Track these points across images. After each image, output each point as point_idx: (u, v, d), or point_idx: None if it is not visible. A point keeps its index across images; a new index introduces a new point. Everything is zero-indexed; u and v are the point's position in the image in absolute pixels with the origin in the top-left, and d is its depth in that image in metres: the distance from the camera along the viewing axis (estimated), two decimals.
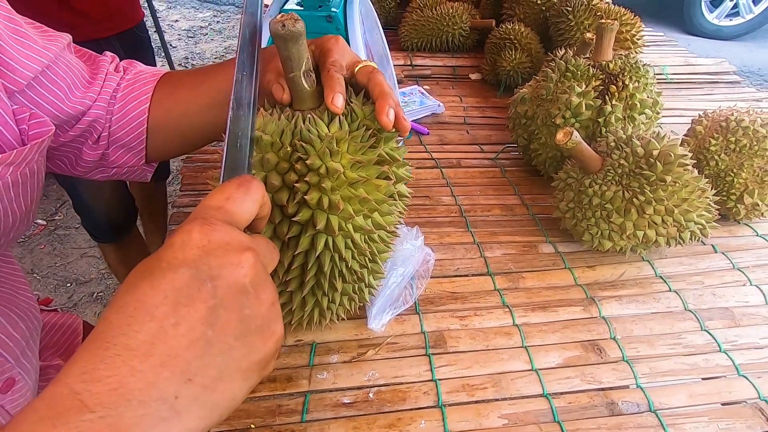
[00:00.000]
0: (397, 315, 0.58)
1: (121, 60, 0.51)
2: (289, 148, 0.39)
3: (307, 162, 0.38)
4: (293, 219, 0.40)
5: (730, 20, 3.68)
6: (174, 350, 0.21)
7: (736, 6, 3.60)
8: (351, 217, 0.41)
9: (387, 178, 0.43)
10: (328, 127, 0.40)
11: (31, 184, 0.39)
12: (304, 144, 0.39)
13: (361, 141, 0.41)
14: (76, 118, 0.45)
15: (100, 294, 1.74)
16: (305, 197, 0.39)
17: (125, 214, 1.25)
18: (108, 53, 0.50)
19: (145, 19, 1.24)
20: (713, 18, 3.67)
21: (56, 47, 0.42)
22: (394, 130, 0.40)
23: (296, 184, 0.39)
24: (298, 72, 0.39)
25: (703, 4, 3.62)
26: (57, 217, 2.01)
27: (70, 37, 0.45)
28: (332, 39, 0.43)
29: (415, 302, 0.59)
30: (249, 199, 0.26)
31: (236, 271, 0.23)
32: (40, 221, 1.93)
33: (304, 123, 0.40)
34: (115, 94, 0.48)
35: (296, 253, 0.41)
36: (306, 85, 0.40)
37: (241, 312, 0.23)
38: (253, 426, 0.47)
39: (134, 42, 1.16)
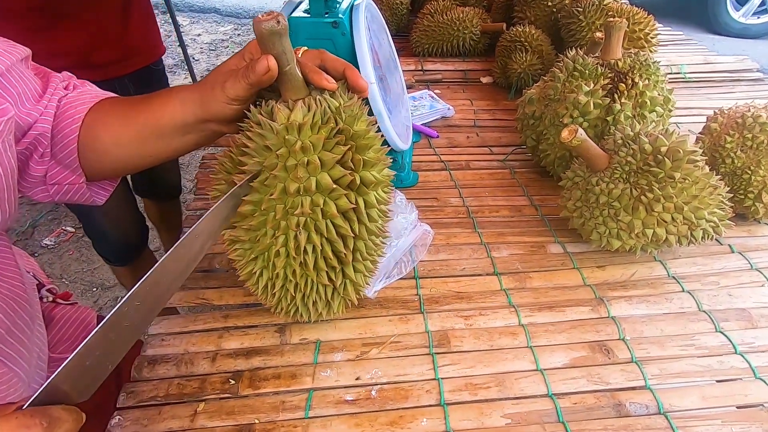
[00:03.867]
0: (401, 314, 0.58)
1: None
2: (333, 124, 0.42)
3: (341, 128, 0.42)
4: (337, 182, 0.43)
5: (758, 18, 3.56)
6: None
7: (763, 3, 3.49)
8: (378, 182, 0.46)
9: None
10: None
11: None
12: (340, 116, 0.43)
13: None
14: (23, 130, 0.45)
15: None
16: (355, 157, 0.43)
17: (139, 236, 1.22)
18: (65, 72, 0.50)
19: (169, 35, 1.23)
20: (739, 16, 3.55)
21: (9, 59, 0.42)
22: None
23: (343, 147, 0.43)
24: (293, 63, 0.41)
25: (728, 2, 3.52)
26: None
27: (30, 51, 0.46)
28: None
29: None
30: None
31: None
32: (69, 228, 2.01)
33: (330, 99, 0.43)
34: (57, 111, 0.48)
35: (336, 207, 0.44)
36: (300, 75, 0.43)
37: None
38: (257, 421, 0.48)
39: (146, 77, 1.10)
